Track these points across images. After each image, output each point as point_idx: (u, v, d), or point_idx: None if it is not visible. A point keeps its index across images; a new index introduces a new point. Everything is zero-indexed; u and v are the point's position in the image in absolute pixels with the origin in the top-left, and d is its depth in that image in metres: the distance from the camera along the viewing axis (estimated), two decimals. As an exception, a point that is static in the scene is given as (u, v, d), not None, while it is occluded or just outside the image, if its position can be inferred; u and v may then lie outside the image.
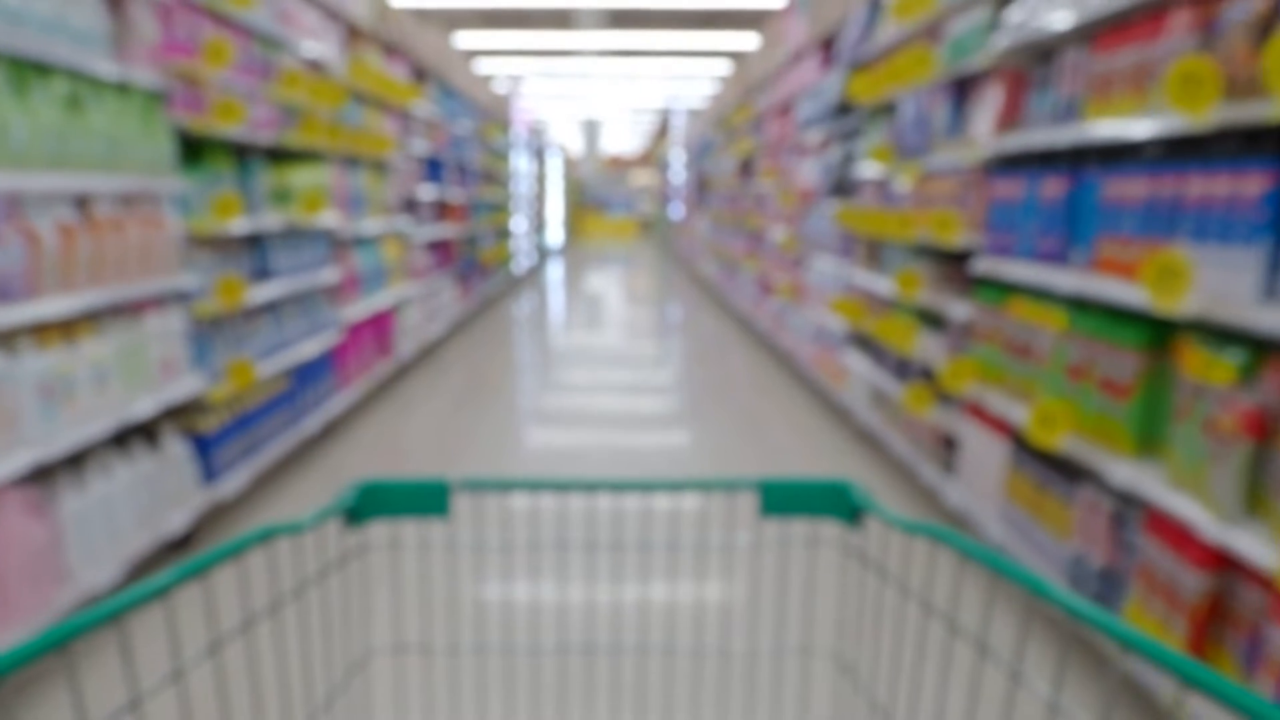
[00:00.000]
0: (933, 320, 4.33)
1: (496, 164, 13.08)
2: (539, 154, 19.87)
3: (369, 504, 1.18)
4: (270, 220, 4.43)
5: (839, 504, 1.19)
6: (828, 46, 6.35)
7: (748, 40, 16.42)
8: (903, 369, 4.53)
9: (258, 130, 4.27)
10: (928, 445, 4.13)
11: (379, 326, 6.70)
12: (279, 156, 5.18)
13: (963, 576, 3.21)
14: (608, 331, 9.47)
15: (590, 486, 1.18)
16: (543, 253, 20.12)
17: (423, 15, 11.60)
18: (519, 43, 17.25)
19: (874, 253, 5.24)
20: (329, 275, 5.36)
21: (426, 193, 7.88)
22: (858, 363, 5.29)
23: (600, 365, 7.60)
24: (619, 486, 1.17)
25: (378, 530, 3.77)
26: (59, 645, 0.72)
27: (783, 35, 7.77)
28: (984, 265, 3.44)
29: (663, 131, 31.37)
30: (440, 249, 8.90)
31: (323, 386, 5.28)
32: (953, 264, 4.07)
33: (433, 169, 8.37)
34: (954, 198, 3.79)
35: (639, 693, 2.52)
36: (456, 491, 1.20)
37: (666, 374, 7.22)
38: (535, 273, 17.28)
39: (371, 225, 6.16)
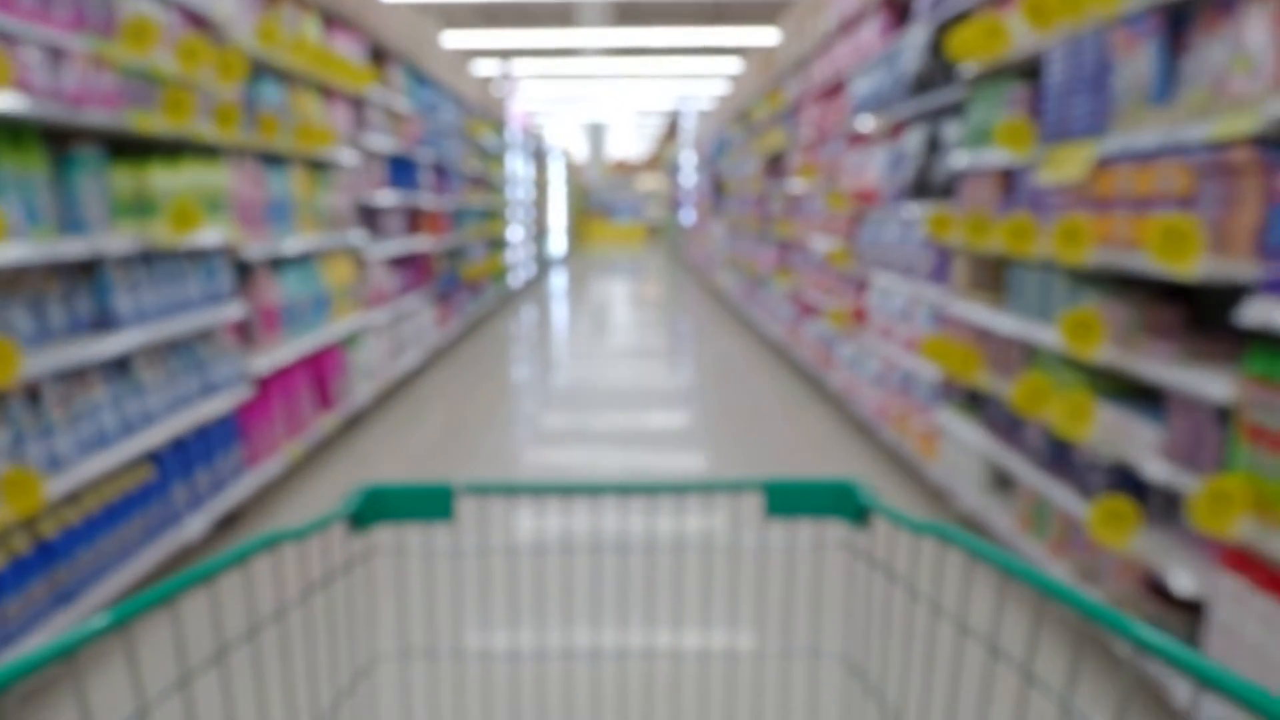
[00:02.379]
0: (1127, 390, 2.84)
1: (489, 167, 11.62)
2: (539, 157, 18.42)
3: (373, 508, 1.18)
4: (115, 241, 2.97)
5: (845, 504, 1.17)
6: (896, 2, 4.87)
7: (762, 35, 15.05)
8: (1061, 460, 3.03)
9: (83, 107, 2.81)
10: (1119, 585, 2.64)
11: (316, 372, 5.23)
12: (134, 149, 3.72)
13: (972, 576, 3.01)
14: (614, 359, 7.99)
15: (595, 490, 1.17)
16: (544, 263, 18.65)
17: (417, 11, 10.17)
18: (519, 41, 15.91)
19: (991, 276, 3.75)
20: (226, 313, 3.89)
21: (389, 198, 6.42)
22: (964, 430, 3.79)
23: (605, 405, 6.12)
24: (624, 489, 1.17)
25: (382, 535, 3.79)
26: (66, 654, 0.73)
27: (823, 1, 6.29)
28: (1263, 312, 1.95)
29: (671, 133, 30.06)
30: (412, 266, 7.43)
31: (219, 466, 3.80)
32: (1170, 303, 2.58)
33: (400, 170, 6.90)
34: (1177, 197, 2.30)
35: (646, 696, 2.55)
36: (460, 495, 1.19)
37: (686, 421, 5.73)
38: (535, 286, 15.80)
39: (301, 242, 4.69)
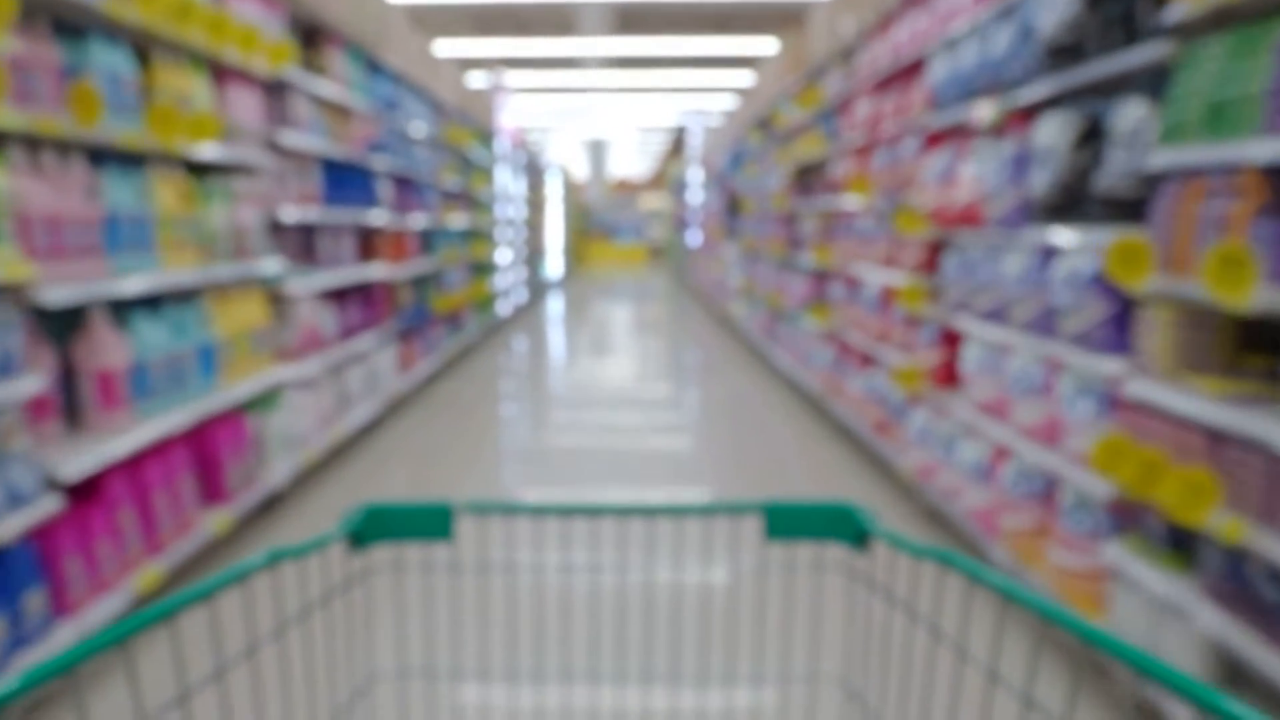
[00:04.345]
0: None
1: (473, 182, 10.22)
2: (534, 172, 17.04)
3: (373, 527, 1.18)
4: None
5: (845, 527, 1.16)
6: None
7: (769, 46, 13.75)
8: None
9: None
10: None
11: (199, 453, 3.79)
12: None
13: (972, 601, 2.33)
14: (612, 406, 6.53)
15: (594, 511, 1.16)
16: (538, 287, 17.22)
17: (407, 18, 8.78)
18: (514, 50, 14.60)
19: (1229, 350, 2.32)
20: (10, 390, 2.46)
21: (325, 215, 4.99)
22: (1162, 585, 2.34)
23: (601, 474, 4.67)
24: (623, 511, 1.16)
25: (381, 554, 3.32)
26: (65, 670, 0.72)
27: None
28: None
29: (676, 150, 28.78)
30: (363, 299, 6.00)
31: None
32: None
33: (344, 180, 5.47)
34: None
35: (644, 717, 2.52)
36: (460, 515, 1.19)
37: (703, 498, 4.28)
38: (527, 313, 14.35)
39: (166, 276, 3.27)
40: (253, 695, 2.60)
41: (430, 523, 1.18)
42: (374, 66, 6.13)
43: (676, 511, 1.17)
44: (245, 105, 4.00)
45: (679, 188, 21.42)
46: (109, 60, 2.90)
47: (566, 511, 1.16)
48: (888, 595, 1.17)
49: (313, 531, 4.08)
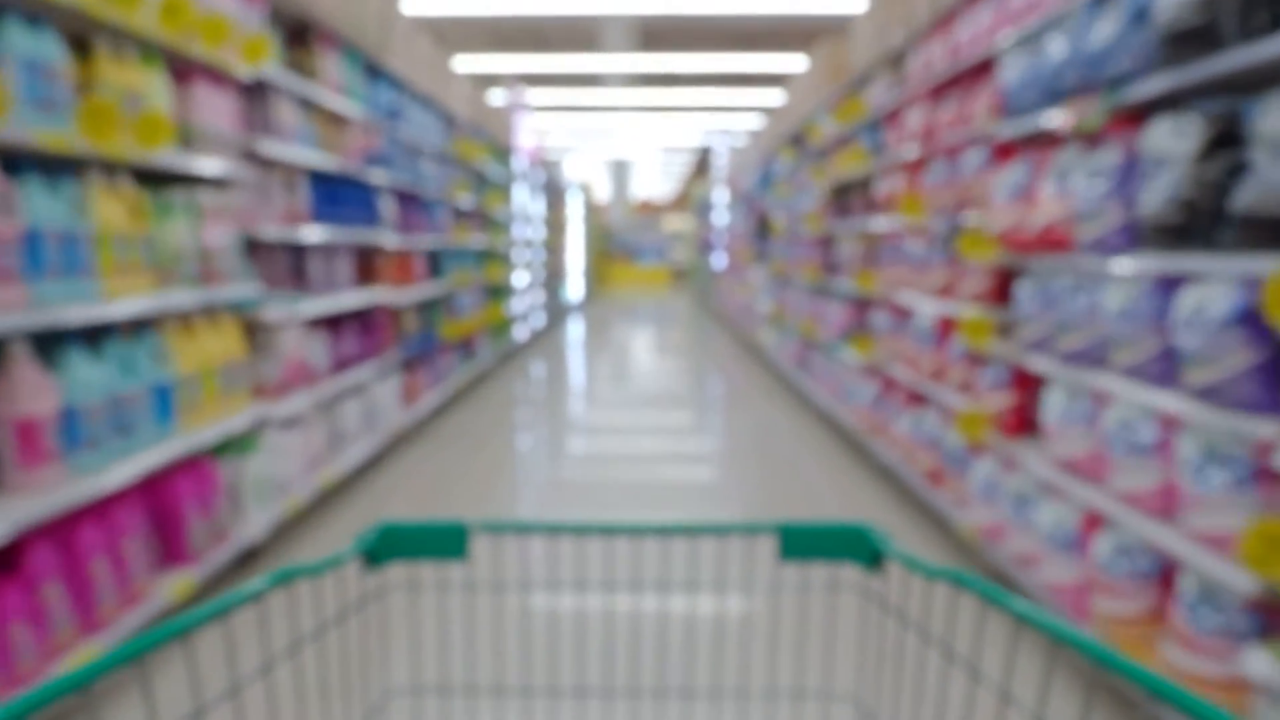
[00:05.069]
0: None
1: (488, 201, 9.75)
2: (555, 192, 16.59)
3: (388, 546, 1.18)
4: None
5: (859, 548, 1.16)
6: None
7: (795, 62, 13.26)
8: None
9: None
10: None
11: (155, 509, 3.29)
12: None
13: (985, 622, 3.07)
14: (634, 437, 5.98)
15: (609, 530, 1.17)
16: (558, 311, 16.73)
17: (424, 31, 8.36)
18: (535, 66, 14.20)
19: None
20: None
21: (317, 234, 4.50)
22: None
23: (623, 515, 4.12)
24: (637, 530, 1.17)
25: (396, 572, 3.69)
26: (80, 687, 0.73)
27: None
28: None
29: (700, 170, 28.36)
30: (362, 326, 5.50)
31: None
32: None
33: (339, 196, 4.99)
34: None
35: None
36: (475, 534, 1.20)
37: (739, 566, 3.72)
38: (546, 338, 13.85)
39: (104, 307, 2.77)
40: (268, 713, 2.64)
41: (445, 541, 1.18)
42: (374, 72, 5.66)
43: (691, 531, 1.17)
44: (215, 108, 3.52)
45: (703, 209, 20.94)
46: (27, 45, 2.41)
47: (581, 530, 1.16)
48: (901, 615, 1.16)
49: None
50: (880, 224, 5.44)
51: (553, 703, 2.71)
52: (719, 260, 17.41)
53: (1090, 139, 2.99)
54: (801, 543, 1.17)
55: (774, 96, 15.77)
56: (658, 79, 15.62)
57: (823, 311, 7.20)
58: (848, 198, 6.72)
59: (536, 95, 15.79)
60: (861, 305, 6.25)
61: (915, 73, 4.79)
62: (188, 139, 3.38)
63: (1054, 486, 3.24)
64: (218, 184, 3.72)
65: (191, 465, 3.52)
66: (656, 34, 13.69)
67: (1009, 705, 2.49)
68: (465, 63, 13.50)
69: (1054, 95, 3.15)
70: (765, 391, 8.60)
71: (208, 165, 3.43)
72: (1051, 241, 3.15)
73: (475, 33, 13.12)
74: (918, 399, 4.94)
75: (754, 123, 15.80)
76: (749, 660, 2.97)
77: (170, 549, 3.38)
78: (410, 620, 3.26)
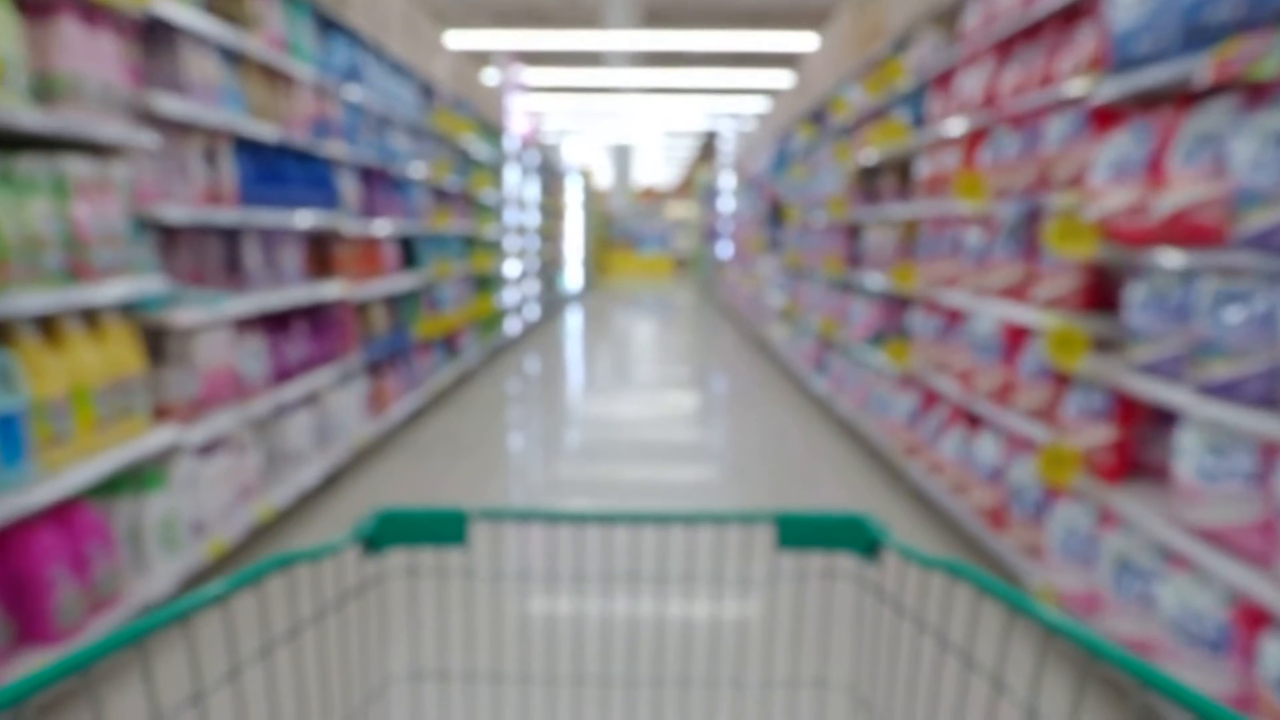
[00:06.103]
0: None
1: (475, 183, 8.93)
2: (552, 175, 15.76)
3: (387, 532, 1.17)
4: None
5: (856, 537, 1.15)
6: None
7: (805, 41, 12.46)
8: None
9: None
10: None
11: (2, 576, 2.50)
12: None
13: (980, 611, 2.99)
14: (633, 447, 5.18)
15: (607, 518, 1.16)
16: (554, 302, 15.91)
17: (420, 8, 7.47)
18: (534, 43, 13.39)
19: None
20: None
21: (251, 217, 3.70)
22: None
23: (622, 576, 3.38)
24: (636, 518, 1.16)
25: (396, 558, 3.69)
26: (80, 668, 0.73)
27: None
28: None
29: (705, 156, 27.50)
30: (315, 327, 4.70)
31: None
32: None
33: (279, 173, 4.18)
34: None
35: None
36: (474, 520, 1.18)
37: (757, 609, 2.95)
38: (540, 332, 13.04)
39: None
40: (267, 697, 2.59)
41: (445, 528, 1.16)
42: (328, 24, 4.83)
43: (689, 519, 1.16)
44: (91, 51, 2.71)
45: (708, 196, 20.10)
46: None
47: (579, 518, 1.16)
48: (897, 604, 1.14)
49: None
50: (922, 209, 4.63)
51: (550, 689, 2.72)
52: (724, 249, 16.59)
53: (1255, 92, 2.18)
54: (799, 532, 1.15)
55: (783, 78, 14.94)
56: (662, 58, 14.79)
57: (846, 308, 6.39)
58: (877, 180, 5.90)
59: (535, 75, 14.96)
60: (896, 304, 5.45)
61: (974, 29, 3.97)
62: (48, 90, 2.58)
63: (1185, 558, 2.45)
64: (97, 150, 2.92)
65: (59, 515, 2.73)
66: (661, 11, 12.86)
67: (1002, 693, 2.40)
68: (460, 39, 12.68)
69: (1197, 35, 2.34)
70: (775, 393, 7.79)
71: (78, 124, 2.63)
72: (1188, 232, 2.35)
73: (471, 7, 12.29)
74: (970, 419, 4.14)
75: (762, 106, 14.97)
76: (746, 649, 2.96)
77: (29, 625, 2.60)
78: (409, 606, 3.27)
